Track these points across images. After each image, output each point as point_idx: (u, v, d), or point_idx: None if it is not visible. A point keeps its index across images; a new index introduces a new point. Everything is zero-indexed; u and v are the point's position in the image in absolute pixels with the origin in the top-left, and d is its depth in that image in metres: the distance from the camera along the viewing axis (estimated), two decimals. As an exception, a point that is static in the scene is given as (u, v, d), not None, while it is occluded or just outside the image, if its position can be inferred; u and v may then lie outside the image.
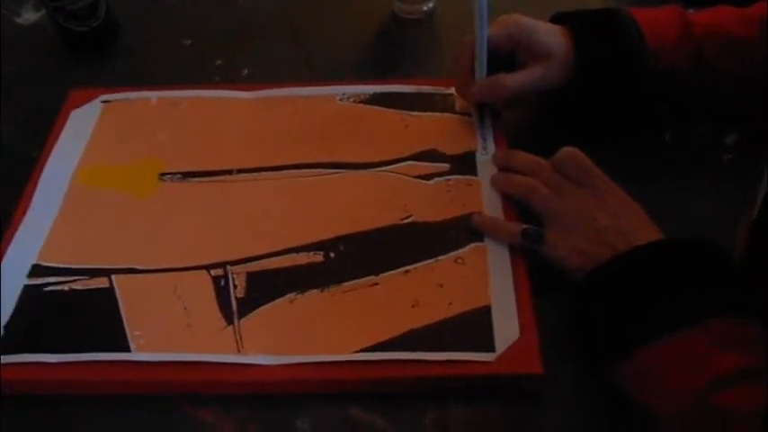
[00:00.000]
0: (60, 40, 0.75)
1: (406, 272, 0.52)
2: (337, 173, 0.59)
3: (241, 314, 0.50)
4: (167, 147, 0.62)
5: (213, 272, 0.52)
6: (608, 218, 0.50)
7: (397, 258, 0.52)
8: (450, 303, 0.50)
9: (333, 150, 0.60)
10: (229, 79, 0.70)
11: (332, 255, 0.53)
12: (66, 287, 0.52)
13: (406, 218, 0.55)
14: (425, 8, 0.77)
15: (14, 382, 0.48)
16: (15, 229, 0.56)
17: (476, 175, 0.58)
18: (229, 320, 0.50)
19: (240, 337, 0.49)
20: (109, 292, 0.52)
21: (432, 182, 0.57)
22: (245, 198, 0.57)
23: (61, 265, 0.53)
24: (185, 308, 0.51)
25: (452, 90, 0.64)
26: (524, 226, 0.52)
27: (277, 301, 0.51)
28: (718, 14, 0.58)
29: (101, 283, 0.52)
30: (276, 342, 0.48)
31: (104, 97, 0.66)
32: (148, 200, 0.58)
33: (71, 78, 0.70)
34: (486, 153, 0.59)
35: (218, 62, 0.72)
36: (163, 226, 0.56)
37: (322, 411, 0.47)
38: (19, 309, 0.51)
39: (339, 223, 0.55)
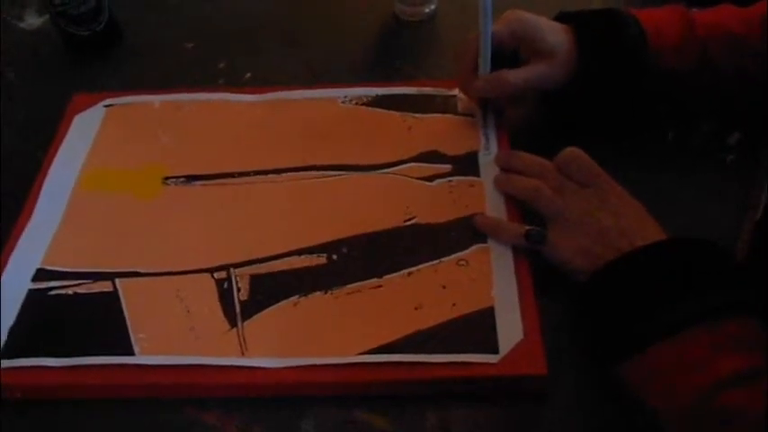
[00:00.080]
0: (63, 45, 0.75)
1: (410, 273, 0.52)
2: (340, 175, 0.59)
3: (245, 317, 0.50)
4: (171, 150, 0.62)
5: (216, 275, 0.53)
6: (611, 218, 0.49)
7: (400, 260, 0.52)
8: (454, 305, 0.50)
9: (335, 152, 0.60)
10: (232, 82, 0.70)
11: (335, 257, 0.53)
12: (70, 291, 0.52)
13: (409, 219, 0.55)
14: (427, 10, 0.77)
15: (19, 386, 0.48)
16: (19, 233, 0.56)
17: (478, 176, 0.58)
18: (233, 323, 0.50)
19: (244, 340, 0.49)
20: (112, 296, 0.52)
21: (434, 183, 0.57)
22: (248, 201, 0.57)
23: (65, 269, 0.53)
24: (189, 311, 0.51)
25: (454, 91, 0.64)
26: (527, 227, 0.52)
27: (280, 303, 0.51)
28: (720, 14, 0.58)
29: (104, 286, 0.52)
30: (280, 344, 0.48)
31: (108, 101, 0.66)
32: (152, 203, 0.58)
33: (74, 83, 0.70)
34: (488, 154, 0.59)
35: (221, 65, 0.72)
36: (166, 229, 0.56)
37: (326, 413, 0.47)
38: (23, 313, 0.51)
39: (342, 225, 0.55)
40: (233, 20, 0.78)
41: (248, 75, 0.71)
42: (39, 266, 0.54)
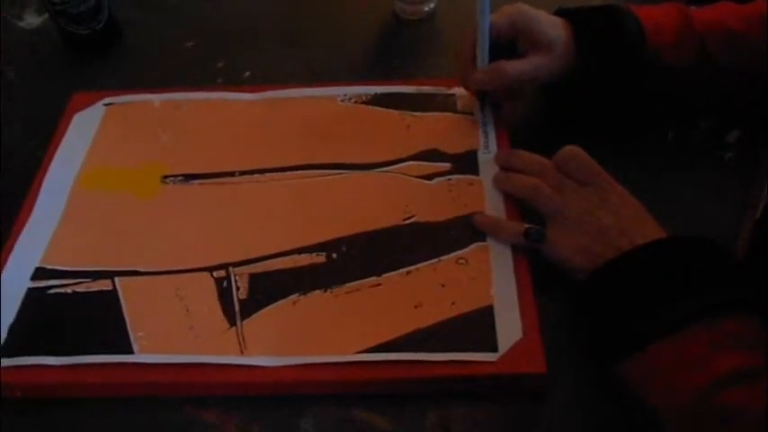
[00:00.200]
0: (63, 44, 0.75)
1: (409, 272, 0.52)
2: (339, 173, 0.59)
3: (244, 315, 0.50)
4: (170, 149, 0.62)
5: (216, 273, 0.53)
6: (610, 217, 0.49)
7: (399, 259, 0.52)
8: (453, 303, 0.50)
9: (334, 151, 0.60)
10: (231, 81, 0.70)
11: (334, 256, 0.53)
12: (69, 290, 0.52)
13: (409, 218, 0.55)
14: (426, 8, 0.77)
15: (18, 384, 0.48)
16: (19, 232, 0.56)
17: (478, 174, 0.57)
18: (232, 322, 0.50)
19: (243, 339, 0.49)
20: (112, 295, 0.52)
21: (433, 182, 0.57)
22: (247, 200, 0.57)
23: (64, 268, 0.53)
24: (188, 310, 0.51)
25: (454, 90, 0.64)
26: (526, 225, 0.52)
27: (280, 302, 0.51)
28: (719, 11, 0.58)
29: (104, 285, 0.52)
30: (279, 343, 0.48)
31: (107, 100, 0.66)
32: (151, 202, 0.58)
33: (74, 81, 0.70)
34: (487, 152, 0.59)
35: (220, 64, 0.72)
36: (165, 228, 0.56)
37: (325, 412, 0.47)
38: (22, 311, 0.51)
39: (341, 224, 0.55)
40: (232, 19, 0.78)
41: (247, 74, 0.71)
42: (38, 265, 0.54)
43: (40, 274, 0.53)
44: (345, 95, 0.65)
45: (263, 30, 0.76)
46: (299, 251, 0.53)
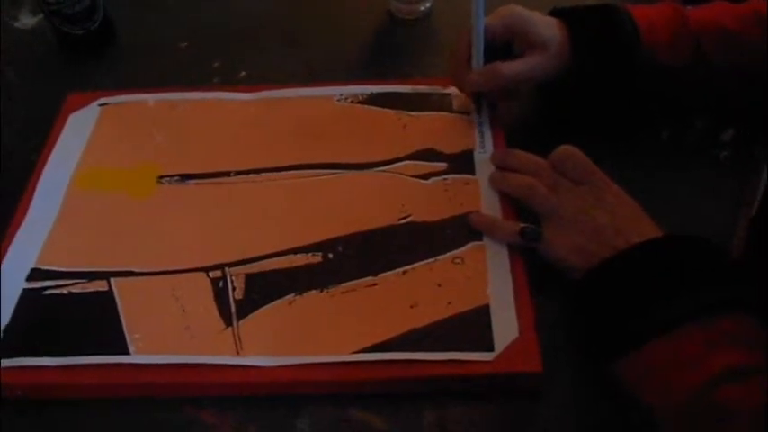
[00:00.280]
0: (57, 44, 0.75)
1: (405, 272, 0.52)
2: (335, 173, 0.59)
3: (240, 316, 0.50)
4: (165, 149, 0.62)
5: (212, 274, 0.52)
6: (606, 216, 0.50)
7: (395, 258, 0.52)
8: (449, 303, 0.50)
9: (330, 151, 0.60)
10: (227, 81, 0.70)
11: (330, 255, 0.53)
12: (64, 290, 0.52)
13: (405, 218, 0.55)
14: (422, 8, 0.77)
15: (13, 385, 0.48)
16: (14, 233, 0.56)
17: (474, 174, 0.58)
18: (228, 322, 0.50)
19: (239, 339, 0.49)
20: (107, 295, 0.52)
21: (429, 181, 0.57)
22: (243, 200, 0.57)
23: (60, 269, 0.53)
24: (184, 310, 0.51)
25: (450, 89, 0.64)
26: (522, 225, 0.52)
27: (276, 302, 0.51)
28: (714, 10, 0.58)
29: (99, 286, 0.52)
30: (275, 343, 0.48)
31: (102, 100, 0.66)
32: (147, 202, 0.58)
33: (69, 82, 0.70)
34: (483, 152, 0.59)
35: (216, 64, 0.72)
36: (161, 228, 0.56)
37: (321, 412, 0.47)
38: (18, 312, 0.51)
39: (337, 224, 0.55)
40: (227, 19, 0.78)
41: (243, 73, 0.71)
42: (33, 266, 0.54)
43: (35, 274, 0.53)
44: (341, 95, 0.65)
45: (258, 30, 0.76)
46: (295, 251, 0.53)
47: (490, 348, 0.47)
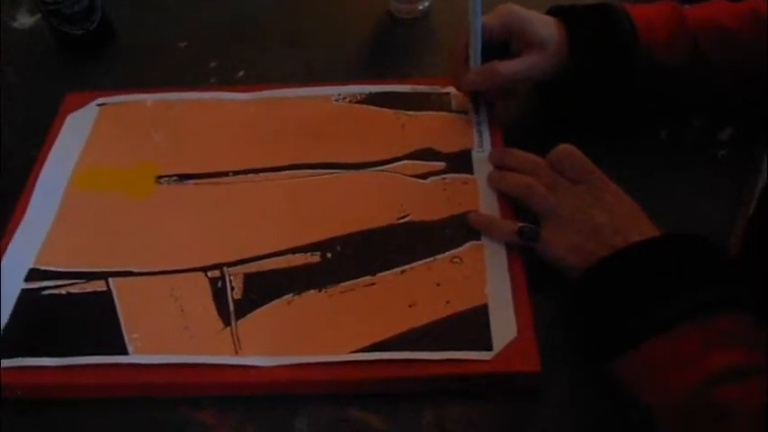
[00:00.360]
0: (56, 44, 0.75)
1: (403, 271, 0.52)
2: (333, 173, 0.59)
3: (238, 315, 0.50)
4: (163, 149, 0.62)
5: (210, 274, 0.52)
6: (604, 215, 0.50)
7: (393, 258, 0.52)
8: (448, 302, 0.50)
9: (329, 151, 0.60)
10: (225, 81, 0.70)
11: (329, 255, 0.53)
12: (63, 291, 0.52)
13: (403, 217, 0.55)
14: (421, 7, 0.77)
15: (12, 386, 0.48)
16: (12, 233, 0.56)
17: (472, 173, 0.58)
18: (227, 322, 0.50)
19: (237, 339, 0.49)
20: (106, 296, 0.52)
21: (428, 181, 0.57)
22: (241, 199, 0.57)
23: (58, 269, 0.53)
24: (182, 310, 0.51)
25: (448, 89, 0.64)
26: (521, 224, 0.52)
27: (274, 302, 0.51)
28: (712, 9, 0.58)
29: (98, 286, 0.52)
30: (274, 343, 0.48)
31: (100, 100, 0.66)
32: (145, 203, 0.58)
33: (67, 82, 0.70)
34: (482, 151, 0.59)
35: (214, 64, 0.72)
36: (159, 228, 0.56)
37: (320, 411, 0.47)
38: (16, 313, 0.51)
39: (336, 224, 0.55)
40: (226, 19, 0.78)
41: (241, 73, 0.71)
42: (32, 266, 0.54)
43: (33, 275, 0.53)
44: (339, 95, 0.65)
45: (256, 29, 0.76)
46: (294, 251, 0.53)
47: (488, 348, 0.47)
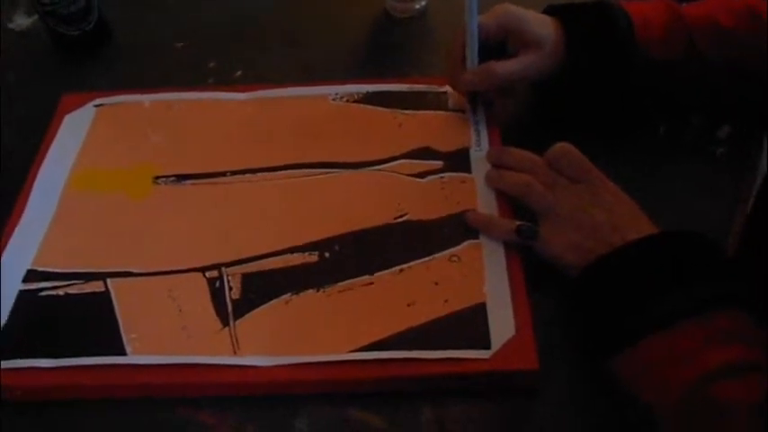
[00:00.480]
0: (53, 45, 0.75)
1: (401, 270, 0.52)
2: (331, 172, 0.59)
3: (237, 316, 0.50)
4: (161, 150, 0.62)
5: (208, 274, 0.52)
6: (602, 213, 0.50)
7: (391, 257, 0.52)
8: (446, 301, 0.50)
9: (326, 150, 0.60)
10: (223, 81, 0.70)
11: (327, 255, 0.53)
12: (61, 292, 0.52)
13: (401, 216, 0.55)
14: (418, 6, 0.77)
15: (11, 387, 0.48)
16: (10, 234, 0.56)
17: (470, 172, 0.58)
18: (225, 322, 0.50)
19: (236, 339, 0.49)
20: (104, 296, 0.51)
21: (426, 180, 0.57)
22: (239, 199, 0.57)
23: (56, 270, 0.53)
24: (181, 310, 0.50)
25: (445, 88, 0.64)
26: (519, 222, 0.52)
27: (272, 301, 0.51)
28: (708, 6, 0.58)
29: (96, 287, 0.52)
30: (272, 343, 0.48)
31: (98, 101, 0.66)
32: (143, 203, 0.58)
33: (64, 82, 0.70)
34: (479, 150, 0.59)
35: (211, 64, 0.72)
36: (157, 229, 0.56)
37: (319, 411, 0.47)
38: (14, 314, 0.51)
39: (333, 223, 0.55)
40: (223, 19, 0.78)
41: (239, 73, 0.71)
42: (29, 267, 0.54)
43: (31, 276, 0.53)
44: (337, 94, 0.65)
45: (253, 29, 0.76)
46: (292, 250, 0.53)
47: (487, 346, 0.47)
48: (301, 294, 0.51)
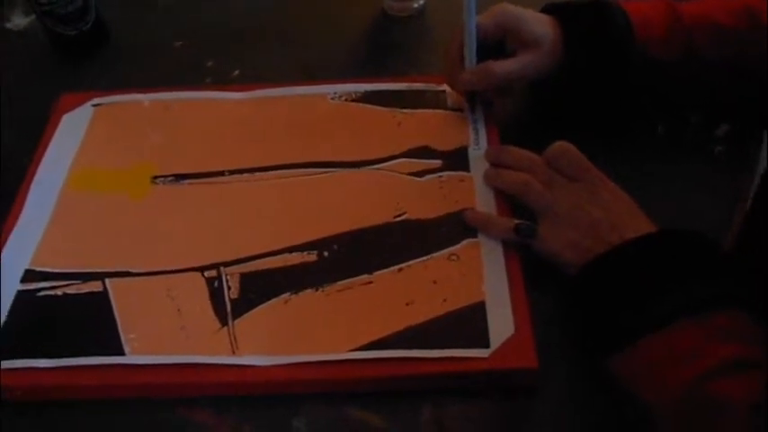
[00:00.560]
0: (50, 45, 0.75)
1: (400, 269, 0.52)
2: (330, 172, 0.59)
3: (235, 315, 0.50)
4: (159, 149, 0.62)
5: (207, 273, 0.52)
6: (601, 212, 0.50)
7: (390, 256, 0.52)
8: (445, 300, 0.50)
9: (325, 149, 0.60)
10: (221, 80, 0.70)
11: (325, 254, 0.53)
12: (59, 292, 0.52)
13: (400, 215, 0.55)
14: (416, 5, 0.76)
15: (10, 387, 0.48)
16: (8, 234, 0.56)
17: (468, 170, 0.58)
18: (224, 322, 0.50)
19: (235, 339, 0.49)
20: (102, 296, 0.51)
21: (424, 179, 0.57)
22: (237, 199, 0.57)
23: (54, 270, 0.53)
24: (179, 310, 0.50)
25: (444, 87, 0.64)
26: (517, 221, 0.52)
27: (271, 301, 0.50)
28: (706, 5, 0.58)
29: (94, 286, 0.52)
30: (271, 342, 0.48)
31: (96, 101, 0.66)
32: (141, 203, 0.58)
33: (62, 82, 0.70)
34: (478, 148, 0.59)
35: (210, 64, 0.72)
36: (156, 228, 0.56)
37: (318, 410, 0.47)
38: (13, 314, 0.51)
39: (332, 222, 0.55)
40: (221, 18, 0.78)
41: (237, 72, 0.71)
42: (27, 267, 0.54)
43: (29, 276, 0.53)
44: (335, 93, 0.65)
45: (251, 28, 0.76)
46: (290, 250, 0.53)
47: (486, 345, 0.47)
48: (300, 294, 0.51)
